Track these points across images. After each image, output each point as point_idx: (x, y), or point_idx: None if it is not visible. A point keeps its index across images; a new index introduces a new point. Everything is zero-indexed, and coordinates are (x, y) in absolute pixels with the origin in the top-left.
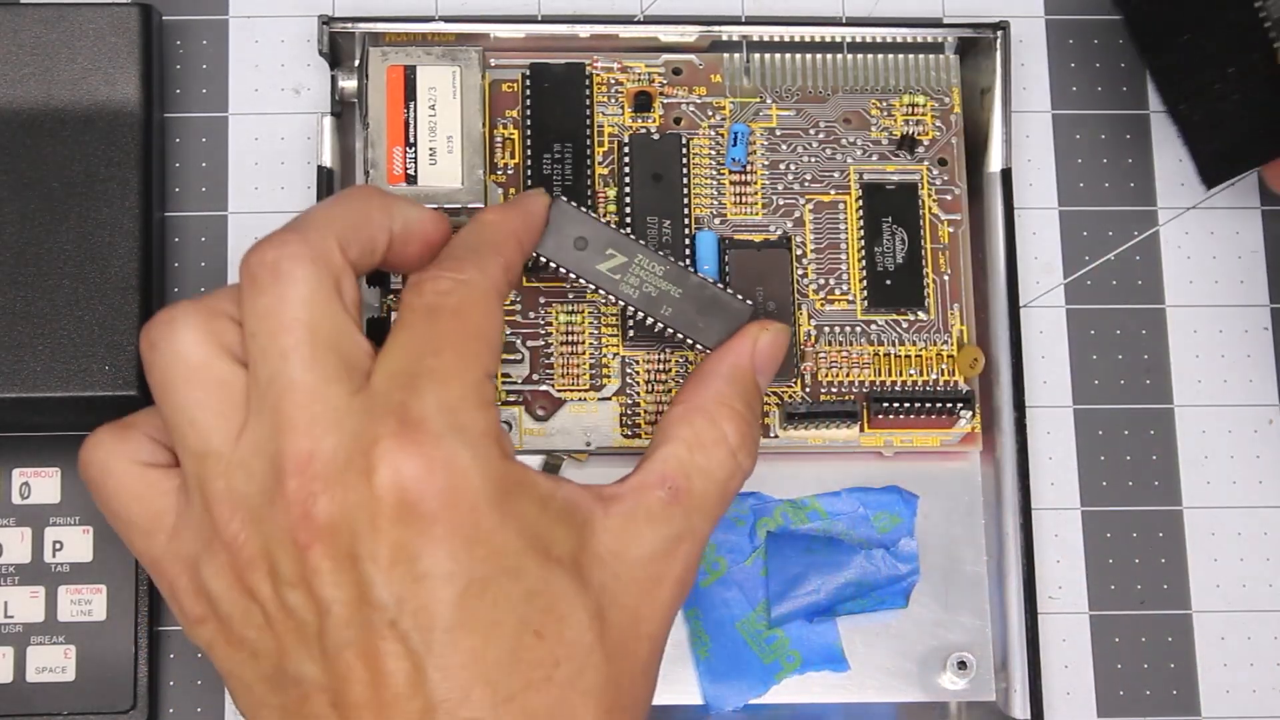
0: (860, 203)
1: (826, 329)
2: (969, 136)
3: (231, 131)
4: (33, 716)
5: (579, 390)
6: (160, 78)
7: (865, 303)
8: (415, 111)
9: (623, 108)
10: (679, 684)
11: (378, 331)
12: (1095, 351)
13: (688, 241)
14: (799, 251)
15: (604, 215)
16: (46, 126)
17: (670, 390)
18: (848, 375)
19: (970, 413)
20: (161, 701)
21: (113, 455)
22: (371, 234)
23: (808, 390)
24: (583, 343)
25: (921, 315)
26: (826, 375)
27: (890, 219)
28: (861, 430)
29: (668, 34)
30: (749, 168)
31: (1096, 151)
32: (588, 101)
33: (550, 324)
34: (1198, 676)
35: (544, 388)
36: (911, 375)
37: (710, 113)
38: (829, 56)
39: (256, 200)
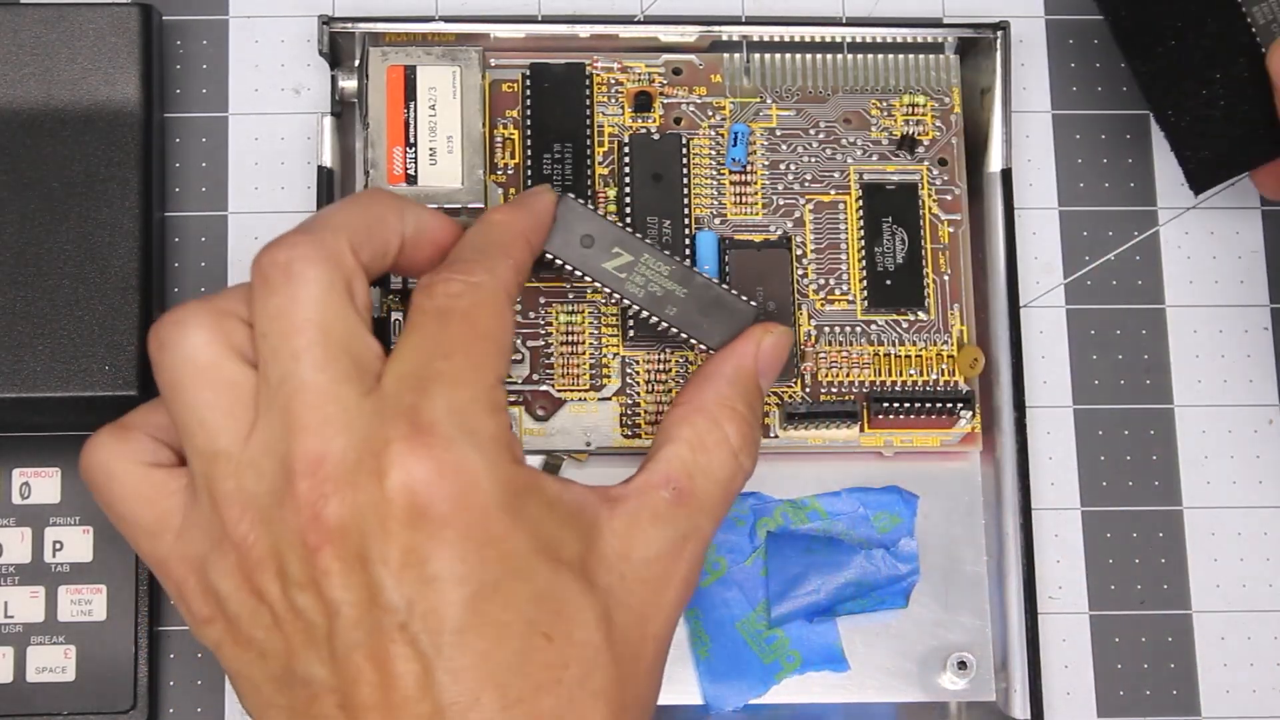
0: (860, 203)
1: (826, 329)
2: (969, 136)
3: (231, 131)
4: (33, 716)
5: (579, 390)
6: (160, 78)
7: (865, 303)
8: (415, 111)
9: (623, 108)
10: (679, 684)
11: (377, 332)
12: (1095, 351)
13: (688, 242)
14: (799, 251)
15: (604, 215)
16: (46, 126)
17: (670, 390)
18: (848, 375)
19: (970, 413)
20: (161, 701)
21: (115, 457)
22: (384, 237)
23: (808, 390)
24: (583, 343)
25: (921, 315)
26: (826, 375)
27: (890, 219)
28: (861, 430)
29: (668, 34)
30: (749, 168)
31: (1096, 151)
32: (588, 101)
33: (550, 324)
34: (1198, 676)
35: (544, 388)
36: (911, 375)
37: (710, 113)
38: (829, 56)
39: (256, 200)
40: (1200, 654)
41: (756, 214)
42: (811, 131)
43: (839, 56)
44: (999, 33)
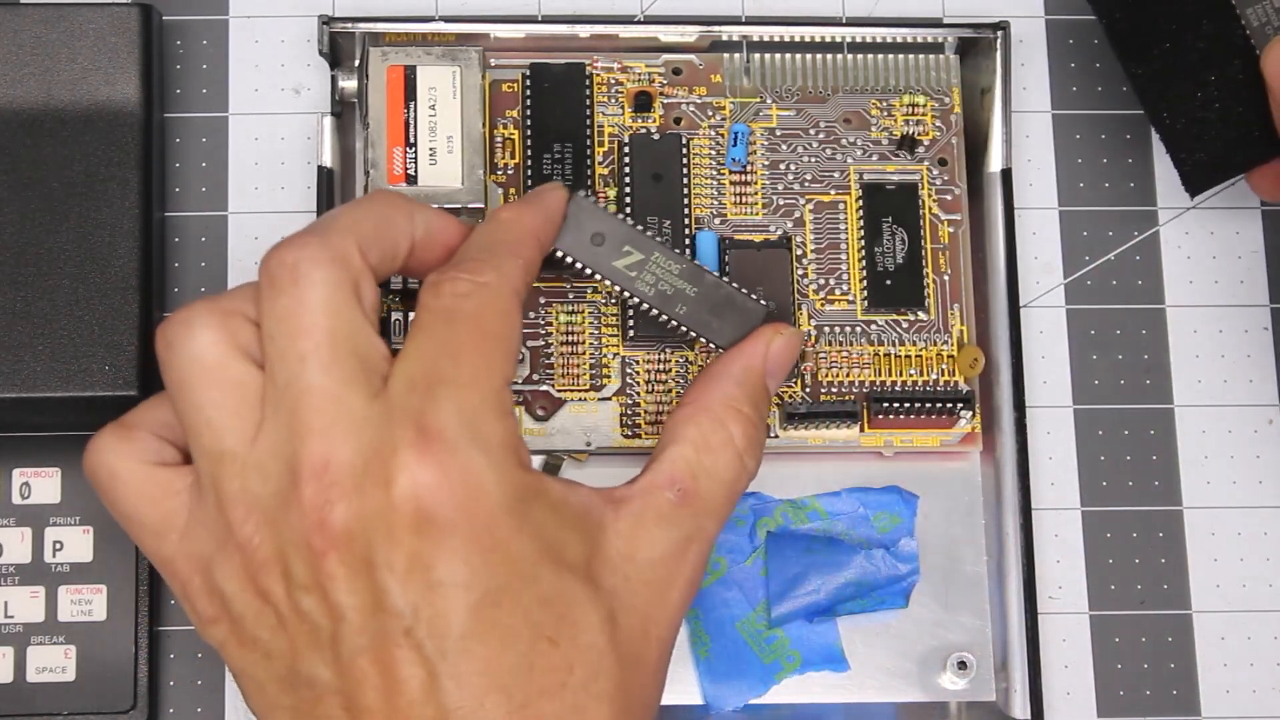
0: (860, 203)
1: (826, 329)
2: (969, 136)
3: (231, 131)
4: (33, 716)
5: (579, 390)
6: (160, 78)
7: (865, 303)
8: (415, 111)
9: (623, 108)
10: (679, 684)
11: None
12: (1095, 351)
13: (688, 241)
14: (799, 251)
15: (615, 213)
16: (46, 126)
17: (670, 390)
18: (848, 375)
19: (970, 413)
20: (161, 701)
21: (119, 457)
22: (393, 239)
23: (808, 390)
24: (583, 343)
25: (921, 315)
26: (827, 375)
27: (890, 219)
28: (861, 430)
29: (668, 34)
30: (749, 168)
31: (1096, 151)
32: (588, 101)
33: (550, 324)
34: (1198, 676)
35: (544, 388)
36: (911, 375)
37: (710, 113)
38: (829, 56)
39: (256, 200)
40: (1200, 654)
41: (756, 214)
42: (811, 131)
43: (839, 56)
44: (999, 33)
